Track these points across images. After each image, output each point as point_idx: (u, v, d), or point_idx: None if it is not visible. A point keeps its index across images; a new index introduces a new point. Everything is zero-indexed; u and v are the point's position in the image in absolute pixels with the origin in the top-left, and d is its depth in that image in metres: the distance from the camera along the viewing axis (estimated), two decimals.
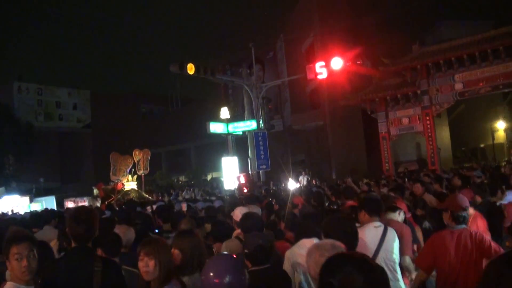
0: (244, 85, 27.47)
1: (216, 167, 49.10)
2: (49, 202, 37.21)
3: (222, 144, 49.75)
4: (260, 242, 4.72)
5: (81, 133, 58.23)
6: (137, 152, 19.73)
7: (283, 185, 29.30)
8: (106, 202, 17.40)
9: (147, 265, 3.89)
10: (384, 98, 33.34)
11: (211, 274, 3.46)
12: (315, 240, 4.74)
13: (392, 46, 33.21)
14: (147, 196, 19.84)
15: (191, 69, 21.87)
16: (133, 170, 19.44)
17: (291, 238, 6.21)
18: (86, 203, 34.67)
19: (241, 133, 28.00)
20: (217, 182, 40.53)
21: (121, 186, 17.84)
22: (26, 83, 54.65)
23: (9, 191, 41.11)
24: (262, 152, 25.47)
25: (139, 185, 22.24)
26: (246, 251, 4.72)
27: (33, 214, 12.89)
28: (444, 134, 47.88)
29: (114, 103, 58.48)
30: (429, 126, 32.49)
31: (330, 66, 23.69)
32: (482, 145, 55.20)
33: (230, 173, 25.97)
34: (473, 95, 32.04)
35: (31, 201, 38.29)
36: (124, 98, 60.50)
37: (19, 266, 3.71)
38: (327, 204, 10.69)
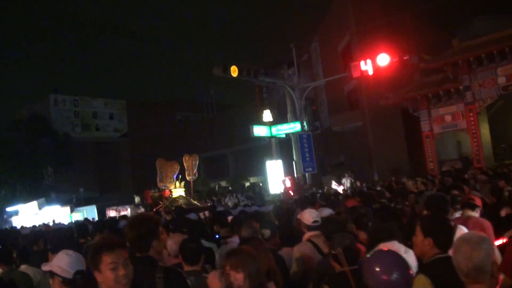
0: (286, 86, 27.10)
1: (255, 172, 48.99)
2: (90, 212, 37.35)
3: (259, 149, 49.60)
4: (348, 243, 4.66)
5: (118, 142, 58.53)
6: (186, 158, 19.52)
7: (325, 188, 28.73)
8: (154, 209, 17.17)
9: (235, 279, 3.61)
10: (425, 96, 32.57)
11: (378, 270, 3.31)
12: (394, 244, 4.30)
13: (430, 42, 32.57)
14: (195, 202, 19.45)
15: (234, 71, 21.74)
16: (180, 176, 19.13)
17: (364, 240, 5.85)
18: (128, 212, 34.73)
19: (284, 136, 27.56)
20: (257, 187, 39.99)
21: (169, 193, 17.59)
22: (62, 95, 55.15)
23: (48, 201, 41.32)
24: (307, 154, 25.09)
25: (187, 191, 21.92)
26: (333, 252, 4.55)
27: (79, 224, 12.62)
28: (483, 131, 46.59)
29: (150, 111, 58.66)
30: (473, 122, 31.64)
31: (376, 63, 23.15)
32: None
33: (275, 177, 25.62)
34: None
35: (72, 211, 38.42)
36: (159, 107, 60.68)
37: (115, 276, 3.26)
38: (392, 204, 10.20)
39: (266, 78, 26.82)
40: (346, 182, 30.53)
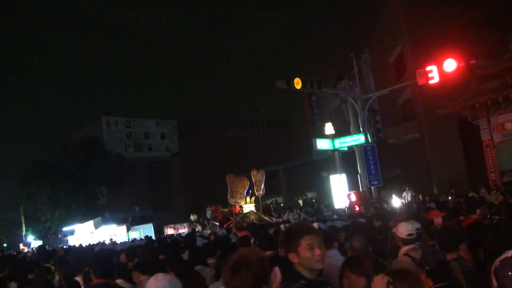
0: (349, 97, 26.60)
1: (307, 187, 48.47)
2: (147, 230, 37.53)
3: (311, 164, 49.19)
4: (441, 258, 4.66)
5: (170, 161, 58.85)
6: (254, 172, 19.32)
7: (385, 202, 28.05)
8: (225, 226, 16.99)
9: None
10: (484, 103, 31.54)
11: None
12: None
13: (486, 47, 31.73)
14: (267, 218, 19.19)
15: (298, 83, 21.52)
16: (250, 191, 18.94)
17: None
18: (186, 229, 34.71)
19: (346, 149, 27.06)
20: (315, 202, 39.40)
21: (239, 208, 17.39)
22: (115, 117, 55.89)
23: (103, 221, 41.73)
24: (372, 167, 24.62)
25: (257, 206, 21.69)
26: (427, 268, 4.51)
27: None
28: None
29: (200, 130, 58.76)
30: None
31: (441, 69, 22.57)
32: None
33: (339, 192, 25.15)
34: None
35: (128, 229, 38.68)
36: (209, 125, 60.69)
37: (312, 255, 3.69)
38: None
39: (330, 90, 26.36)
40: (407, 195, 29.77)
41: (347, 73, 32.95)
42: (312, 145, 49.64)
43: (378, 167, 25.49)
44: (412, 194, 29.99)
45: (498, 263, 3.68)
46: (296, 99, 57.46)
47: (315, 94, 49.14)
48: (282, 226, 11.59)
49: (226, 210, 20.15)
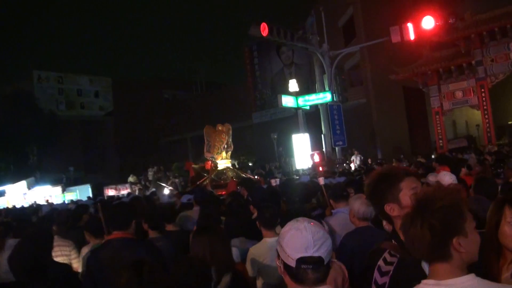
0: (317, 52, 25.69)
1: (251, 150, 47.74)
2: (83, 191, 35.87)
3: (251, 128, 48.48)
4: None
5: (103, 121, 56.70)
6: (219, 127, 17.73)
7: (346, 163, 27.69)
8: (198, 183, 15.61)
9: None
10: (436, 71, 31.69)
11: None
12: None
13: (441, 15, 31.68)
14: (244, 175, 17.82)
15: (264, 29, 20.39)
16: (225, 146, 17.47)
17: None
18: (128, 190, 33.34)
19: (308, 108, 26.25)
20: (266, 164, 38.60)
21: (211, 165, 15.91)
22: (46, 71, 53.07)
23: (36, 181, 39.71)
24: (338, 127, 23.97)
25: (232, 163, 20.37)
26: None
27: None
28: (476, 112, 46.42)
29: (136, 89, 56.85)
30: (484, 99, 30.90)
31: (419, 27, 22.06)
32: (510, 122, 53.88)
33: (302, 151, 24.39)
34: None
35: (63, 190, 36.96)
36: (146, 84, 58.84)
37: None
38: None
39: (298, 43, 25.22)
40: (356, 159, 29.59)
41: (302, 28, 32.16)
42: (252, 108, 49.40)
43: (343, 127, 25.02)
44: (360, 158, 29.85)
45: None
46: (238, 61, 56.58)
47: (259, 57, 48.55)
48: (273, 181, 10.63)
49: (197, 166, 18.50)
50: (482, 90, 30.77)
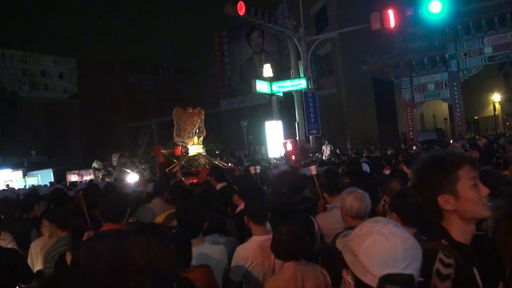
0: (293, 37, 24.98)
1: (217, 137, 47.06)
2: (45, 176, 34.91)
3: (219, 115, 47.80)
4: None
5: (67, 104, 55.16)
6: (190, 110, 16.54)
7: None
8: (167, 170, 14.60)
9: None
10: (409, 63, 31.48)
11: None
12: None
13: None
14: (217, 162, 16.86)
15: (241, 8, 19.61)
16: (197, 131, 16.30)
17: None
18: (91, 176, 32.43)
19: (281, 94, 25.53)
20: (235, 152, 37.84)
21: (182, 150, 14.57)
22: (10, 50, 51.30)
23: None
24: (312, 115, 23.38)
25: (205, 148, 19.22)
26: None
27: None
28: (443, 106, 46.74)
29: (102, 72, 55.49)
30: (456, 92, 30.79)
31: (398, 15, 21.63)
32: (476, 117, 54.54)
33: (275, 140, 23.74)
34: (503, 60, 30.60)
35: (24, 175, 35.89)
36: (112, 68, 57.47)
37: (478, 195, 2.34)
38: None
39: (275, 26, 24.41)
40: (326, 149, 29.23)
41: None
42: (220, 95, 48.70)
43: (318, 115, 24.43)
44: (331, 148, 29.50)
45: None
46: (207, 48, 55.71)
47: (229, 43, 47.82)
48: (252, 168, 9.76)
49: (166, 152, 17.14)
50: (455, 83, 30.63)
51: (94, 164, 36.40)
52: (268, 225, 4.67)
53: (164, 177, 10.65)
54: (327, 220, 5.33)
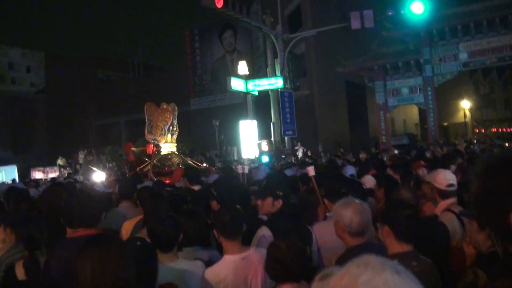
0: (271, 34, 24.46)
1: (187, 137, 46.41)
2: (9, 172, 33.79)
3: (189, 114, 46.99)
4: None
5: (34, 98, 53.82)
6: (164, 106, 15.74)
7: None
8: (138, 169, 13.86)
9: None
10: (383, 66, 31.25)
11: None
12: None
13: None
14: (192, 162, 16.08)
15: (219, 0, 19.01)
16: (171, 128, 15.43)
17: None
18: (57, 174, 31.51)
19: (256, 93, 24.96)
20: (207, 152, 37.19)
21: (153, 149, 13.73)
22: None
23: None
24: (288, 115, 22.91)
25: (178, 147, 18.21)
26: None
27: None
28: (414, 111, 46.85)
29: (70, 67, 54.22)
30: (430, 97, 30.65)
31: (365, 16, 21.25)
32: (445, 124, 54.82)
33: (249, 140, 23.13)
34: (478, 66, 30.69)
35: None
36: (80, 63, 56.28)
37: None
38: None
39: (253, 21, 23.80)
40: (299, 151, 28.79)
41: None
42: (190, 94, 47.94)
43: (294, 116, 23.97)
44: (303, 150, 29.09)
45: None
46: (177, 46, 54.92)
47: (200, 41, 47.14)
48: (240, 167, 8.87)
49: (136, 150, 16.17)
50: (429, 88, 30.50)
51: (59, 161, 35.52)
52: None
53: (133, 177, 9.93)
54: (327, 231, 4.56)
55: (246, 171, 8.50)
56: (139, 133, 51.47)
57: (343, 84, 38.54)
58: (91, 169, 26.62)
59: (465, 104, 52.83)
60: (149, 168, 12.51)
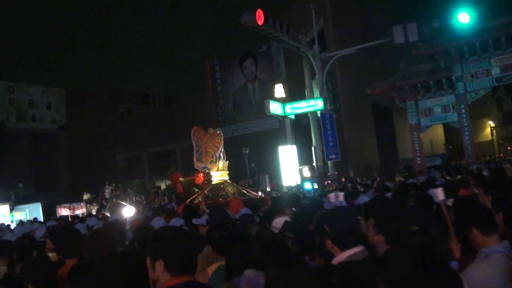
0: (308, 54, 23.77)
1: None
2: (34, 210, 33.19)
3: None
4: None
5: (56, 135, 53.68)
6: (211, 131, 14.31)
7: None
8: (188, 201, 12.70)
9: None
10: (414, 86, 30.38)
11: None
12: None
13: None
14: (245, 191, 14.87)
15: (259, 17, 18.48)
16: (222, 155, 14.06)
17: None
18: (83, 210, 30.84)
19: (293, 117, 24.18)
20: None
21: (203, 178, 12.34)
22: None
23: None
24: (330, 138, 22.03)
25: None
26: None
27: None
28: (438, 131, 45.86)
29: (91, 102, 54.45)
30: (464, 115, 29.69)
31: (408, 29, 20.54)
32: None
33: (290, 166, 22.22)
34: (511, 81, 29.57)
35: (11, 209, 34.20)
36: (100, 97, 56.21)
37: None
38: None
39: (291, 41, 23.13)
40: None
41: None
42: (212, 124, 47.32)
43: (336, 138, 23.03)
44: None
45: None
46: (198, 77, 54.59)
47: (221, 71, 46.69)
48: (332, 196, 7.51)
49: (184, 180, 14.83)
50: (462, 106, 29.57)
51: (85, 197, 34.96)
52: None
53: (187, 211, 8.84)
54: (481, 276, 3.42)
55: (341, 199, 6.60)
56: (162, 166, 51.31)
57: (369, 105, 37.82)
58: (120, 203, 25.92)
59: (491, 122, 51.86)
60: (200, 199, 11.39)
